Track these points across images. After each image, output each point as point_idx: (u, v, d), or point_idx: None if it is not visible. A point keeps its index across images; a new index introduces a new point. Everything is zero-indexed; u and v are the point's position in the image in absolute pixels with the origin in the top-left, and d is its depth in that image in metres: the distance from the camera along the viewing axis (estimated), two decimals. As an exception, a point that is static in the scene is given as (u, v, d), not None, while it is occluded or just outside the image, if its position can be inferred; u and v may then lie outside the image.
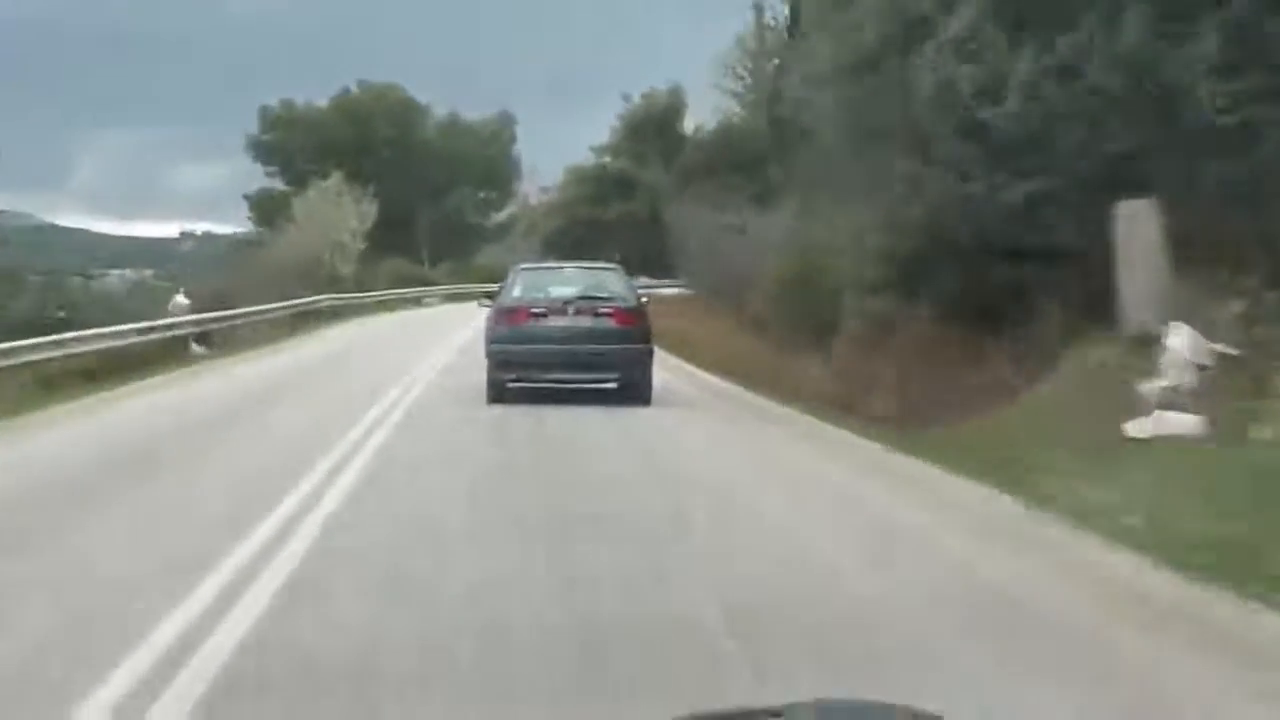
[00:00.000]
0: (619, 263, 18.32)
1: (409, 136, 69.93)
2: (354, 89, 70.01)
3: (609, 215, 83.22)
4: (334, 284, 44.54)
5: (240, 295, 30.30)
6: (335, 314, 39.43)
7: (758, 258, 26.68)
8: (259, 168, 67.49)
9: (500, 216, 78.78)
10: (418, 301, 53.02)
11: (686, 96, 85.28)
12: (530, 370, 14.10)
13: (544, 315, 14.05)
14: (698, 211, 36.39)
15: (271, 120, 68.68)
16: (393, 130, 69.17)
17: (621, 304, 14.36)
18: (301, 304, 35.70)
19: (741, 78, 47.73)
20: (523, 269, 16.00)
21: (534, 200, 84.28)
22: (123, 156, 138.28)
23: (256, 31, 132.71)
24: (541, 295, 14.39)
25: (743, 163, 42.00)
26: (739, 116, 47.36)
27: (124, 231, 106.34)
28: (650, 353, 14.43)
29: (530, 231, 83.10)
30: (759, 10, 43.42)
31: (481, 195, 76.53)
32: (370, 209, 52.57)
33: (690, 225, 36.70)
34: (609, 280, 15.16)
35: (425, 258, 68.93)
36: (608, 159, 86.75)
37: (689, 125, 38.94)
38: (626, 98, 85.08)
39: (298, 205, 51.50)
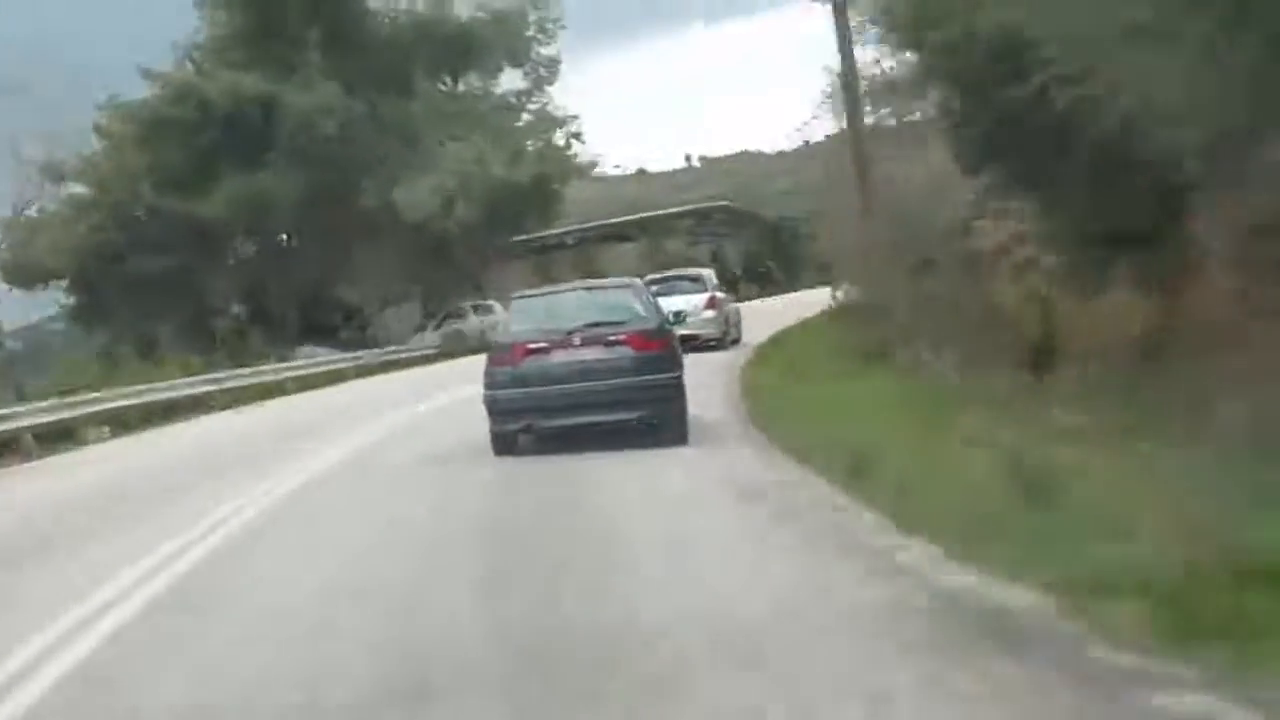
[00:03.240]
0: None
1: None
2: None
3: (206, 208, 33.48)
4: None
5: None
6: None
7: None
8: None
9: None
10: None
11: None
12: (536, 416, 12.73)
13: (546, 350, 12.82)
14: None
15: None
16: None
17: (639, 328, 12.89)
18: None
19: None
20: (520, 297, 14.34)
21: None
22: None
23: None
24: (542, 328, 13.02)
25: None
26: None
27: None
28: (680, 383, 12.87)
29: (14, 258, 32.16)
30: None
31: None
32: None
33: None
34: (624, 300, 13.51)
35: None
36: (193, 70, 36.64)
37: None
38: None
39: None
